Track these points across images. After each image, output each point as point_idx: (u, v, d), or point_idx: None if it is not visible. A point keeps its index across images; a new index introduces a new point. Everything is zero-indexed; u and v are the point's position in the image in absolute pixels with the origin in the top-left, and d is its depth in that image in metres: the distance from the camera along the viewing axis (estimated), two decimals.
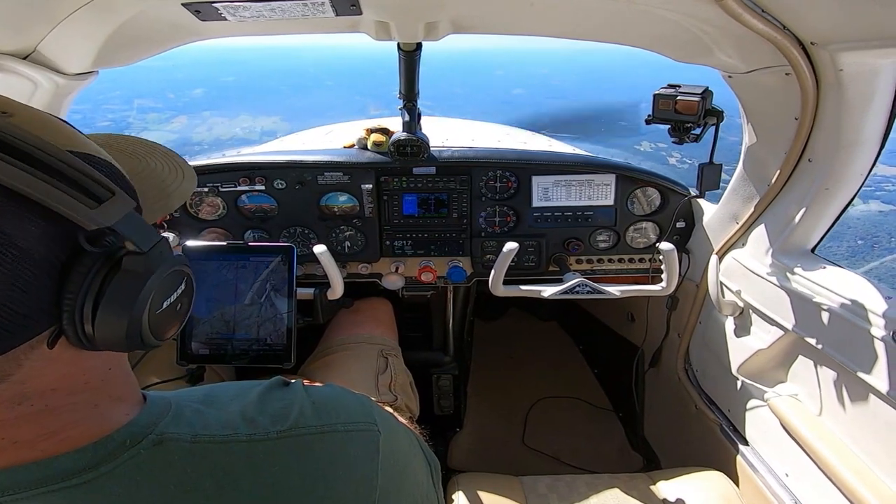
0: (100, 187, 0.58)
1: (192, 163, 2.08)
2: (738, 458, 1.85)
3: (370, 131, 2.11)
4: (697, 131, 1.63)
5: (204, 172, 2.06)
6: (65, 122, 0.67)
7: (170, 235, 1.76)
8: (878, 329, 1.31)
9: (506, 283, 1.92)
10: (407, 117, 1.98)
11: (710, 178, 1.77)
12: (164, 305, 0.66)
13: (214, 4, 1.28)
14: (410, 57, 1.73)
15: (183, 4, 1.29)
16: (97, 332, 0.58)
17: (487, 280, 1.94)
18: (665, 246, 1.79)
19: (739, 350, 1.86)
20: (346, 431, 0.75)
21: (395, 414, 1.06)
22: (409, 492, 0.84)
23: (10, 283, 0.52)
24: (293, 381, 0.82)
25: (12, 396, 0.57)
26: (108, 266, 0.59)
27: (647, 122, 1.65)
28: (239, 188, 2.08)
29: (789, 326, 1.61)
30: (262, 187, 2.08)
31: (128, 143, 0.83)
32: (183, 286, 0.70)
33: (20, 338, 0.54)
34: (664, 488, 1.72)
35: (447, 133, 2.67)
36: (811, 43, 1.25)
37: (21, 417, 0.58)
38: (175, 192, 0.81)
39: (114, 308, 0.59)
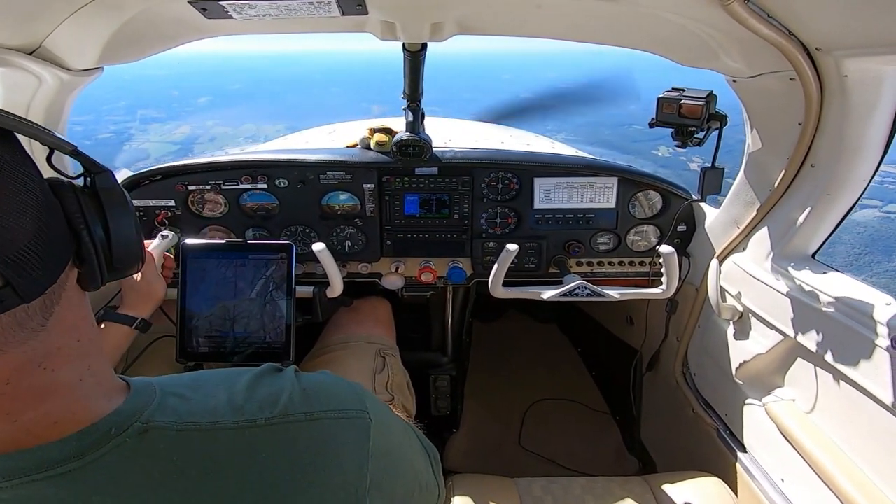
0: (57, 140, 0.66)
1: (196, 160, 2.08)
2: (735, 462, 1.86)
3: (373, 131, 2.11)
4: (701, 135, 1.63)
5: (206, 170, 2.06)
6: None
7: (170, 233, 1.75)
8: (877, 336, 1.32)
9: (505, 284, 1.92)
10: (410, 117, 1.98)
11: (711, 182, 1.78)
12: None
13: (221, 2, 1.28)
14: (416, 57, 1.73)
15: (189, 2, 1.29)
16: (116, 254, 0.69)
17: (487, 281, 1.94)
18: (665, 249, 1.79)
19: (738, 354, 1.87)
20: (336, 419, 0.75)
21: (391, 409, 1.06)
22: (404, 480, 0.84)
23: (36, 217, 0.57)
24: (286, 368, 0.82)
25: (34, 358, 0.59)
26: (86, 188, 0.69)
27: (651, 125, 1.65)
28: (241, 186, 2.08)
29: (789, 331, 1.62)
30: (265, 185, 2.08)
31: None
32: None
33: (56, 270, 0.60)
34: (660, 492, 1.72)
35: (450, 134, 2.67)
36: (816, 48, 1.26)
37: (29, 388, 0.59)
38: None
39: (119, 224, 0.69)
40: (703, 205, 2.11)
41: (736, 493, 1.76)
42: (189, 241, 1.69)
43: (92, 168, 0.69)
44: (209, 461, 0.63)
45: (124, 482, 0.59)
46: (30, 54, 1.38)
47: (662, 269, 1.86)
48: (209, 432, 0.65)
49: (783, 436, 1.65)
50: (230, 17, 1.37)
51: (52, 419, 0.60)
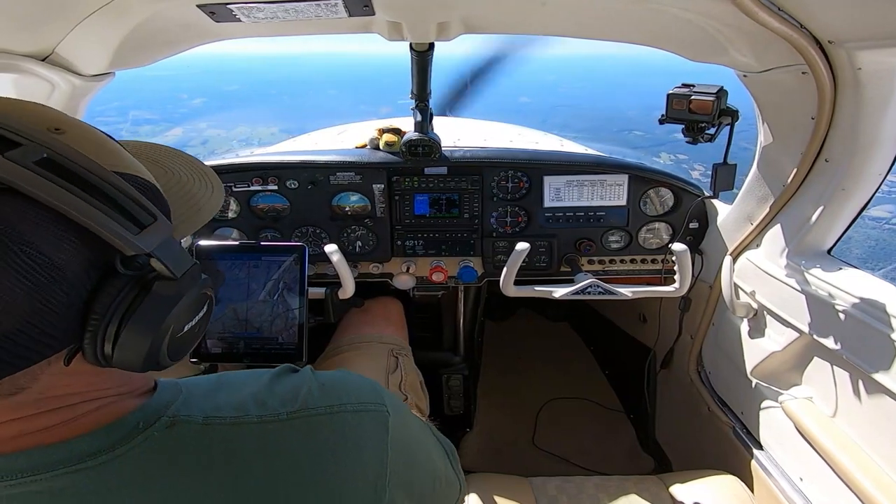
0: (143, 212, 0.59)
1: (207, 163, 2.10)
2: (751, 460, 1.84)
3: (382, 131, 2.11)
4: (712, 131, 1.61)
5: (217, 172, 2.07)
6: (110, 137, 0.69)
7: None
8: (895, 331, 1.30)
9: (517, 283, 1.92)
10: (419, 117, 1.98)
11: (724, 179, 1.76)
12: (185, 329, 0.67)
13: (229, 6, 1.29)
14: (423, 57, 1.73)
15: (198, 6, 1.30)
16: (116, 354, 0.59)
17: (498, 280, 1.94)
18: (678, 246, 1.78)
19: (753, 352, 1.85)
20: (355, 412, 0.76)
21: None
22: (424, 473, 0.85)
23: (42, 302, 0.53)
24: (302, 367, 0.83)
25: (31, 402, 0.59)
26: (138, 289, 0.60)
27: (661, 121, 1.64)
28: (252, 188, 2.09)
29: (804, 328, 1.60)
30: (275, 187, 2.09)
31: (159, 152, 0.83)
32: (205, 309, 0.72)
33: (40, 356, 0.55)
34: (675, 491, 1.71)
35: (459, 133, 2.67)
36: (828, 41, 1.24)
37: (40, 414, 0.60)
38: (205, 207, 0.82)
39: (138, 331, 0.60)
40: (715, 201, 2.09)
41: (753, 492, 1.74)
42: (202, 242, 1.70)
43: (164, 273, 0.61)
44: (234, 454, 0.65)
45: (153, 474, 0.61)
46: (42, 60, 1.40)
47: (675, 267, 1.85)
48: (233, 426, 0.66)
49: (801, 434, 1.63)
50: (238, 20, 1.37)
51: (76, 422, 0.61)
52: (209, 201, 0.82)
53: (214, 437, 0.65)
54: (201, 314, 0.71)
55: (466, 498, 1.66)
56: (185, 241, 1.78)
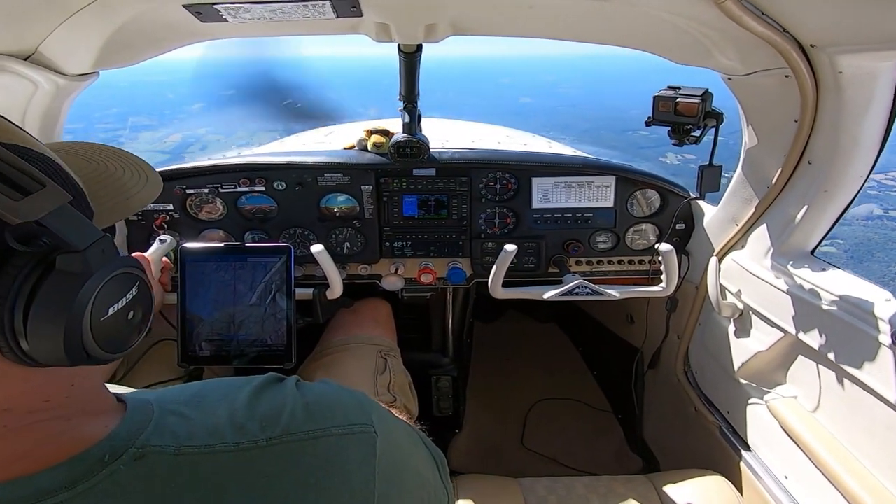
0: (28, 179, 0.53)
1: (194, 164, 2.09)
2: (738, 460, 1.85)
3: (370, 132, 2.11)
4: (697, 133, 1.63)
5: (204, 173, 2.07)
6: (3, 117, 0.62)
7: (168, 237, 1.76)
8: (878, 332, 1.31)
9: (505, 284, 1.92)
10: (407, 118, 1.98)
11: (709, 180, 1.77)
12: (110, 312, 0.61)
13: (215, 6, 1.28)
14: (411, 59, 1.73)
15: (184, 6, 1.29)
16: (31, 344, 0.53)
17: (487, 282, 1.94)
18: (664, 247, 1.79)
19: (739, 352, 1.87)
20: (341, 435, 0.72)
21: (393, 410, 1.04)
22: (413, 491, 0.81)
23: None
24: (287, 377, 0.79)
25: None
26: (41, 267, 0.54)
27: (647, 123, 1.65)
28: (239, 189, 2.08)
29: (789, 328, 1.61)
30: (262, 188, 2.08)
31: (87, 148, 0.79)
32: (134, 291, 0.65)
33: None
34: (663, 491, 1.72)
35: (447, 134, 2.67)
36: (811, 45, 1.26)
37: None
38: (135, 196, 0.77)
39: (46, 314, 0.54)
40: (701, 203, 2.11)
41: (740, 491, 1.76)
42: (188, 244, 1.69)
43: (61, 245, 0.55)
44: (209, 486, 0.60)
45: None
46: (25, 60, 1.38)
47: (662, 268, 1.86)
48: (209, 455, 0.62)
49: (786, 433, 1.65)
50: (225, 20, 1.37)
51: (35, 454, 0.56)
52: (141, 192, 0.78)
53: (188, 467, 0.60)
54: (130, 296, 0.64)
55: (457, 500, 1.66)
56: (171, 244, 1.77)
